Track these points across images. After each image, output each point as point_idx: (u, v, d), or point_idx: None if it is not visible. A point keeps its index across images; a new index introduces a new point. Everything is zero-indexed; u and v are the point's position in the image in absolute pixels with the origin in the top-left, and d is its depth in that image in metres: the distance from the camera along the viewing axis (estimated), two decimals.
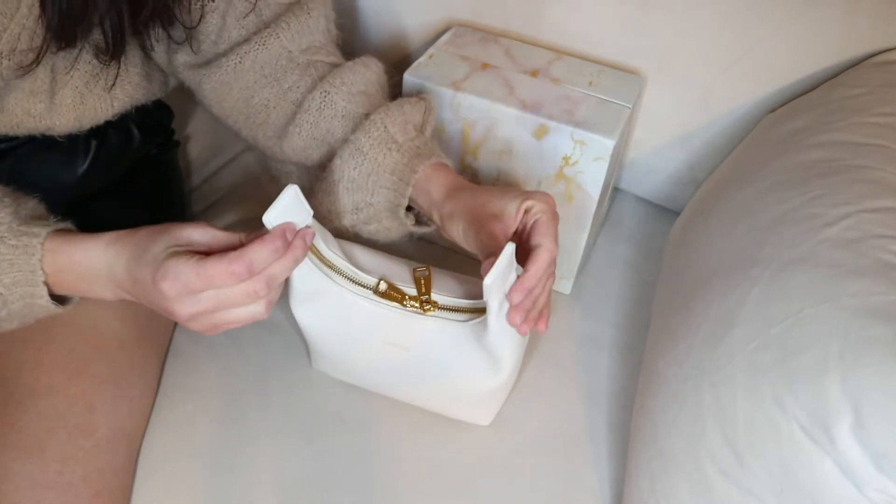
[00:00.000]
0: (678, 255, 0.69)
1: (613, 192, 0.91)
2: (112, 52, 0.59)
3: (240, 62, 0.66)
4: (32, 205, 0.54)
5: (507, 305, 0.55)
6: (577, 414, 0.70)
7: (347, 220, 0.66)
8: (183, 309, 0.49)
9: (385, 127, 0.62)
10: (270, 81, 0.66)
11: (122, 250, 0.51)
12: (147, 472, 0.65)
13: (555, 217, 0.58)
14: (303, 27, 0.66)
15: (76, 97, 0.63)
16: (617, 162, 0.77)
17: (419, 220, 0.66)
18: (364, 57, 0.68)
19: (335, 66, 0.67)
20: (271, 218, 0.50)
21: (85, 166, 0.71)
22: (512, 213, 0.57)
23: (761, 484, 0.48)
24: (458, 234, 0.59)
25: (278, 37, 0.65)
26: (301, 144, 0.65)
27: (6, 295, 0.51)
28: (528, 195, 0.57)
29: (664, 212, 0.90)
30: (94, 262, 0.52)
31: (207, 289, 0.48)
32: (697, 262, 0.63)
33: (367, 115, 0.63)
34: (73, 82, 0.63)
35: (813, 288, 0.50)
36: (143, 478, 0.64)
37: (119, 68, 0.63)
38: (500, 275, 0.52)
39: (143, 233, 0.52)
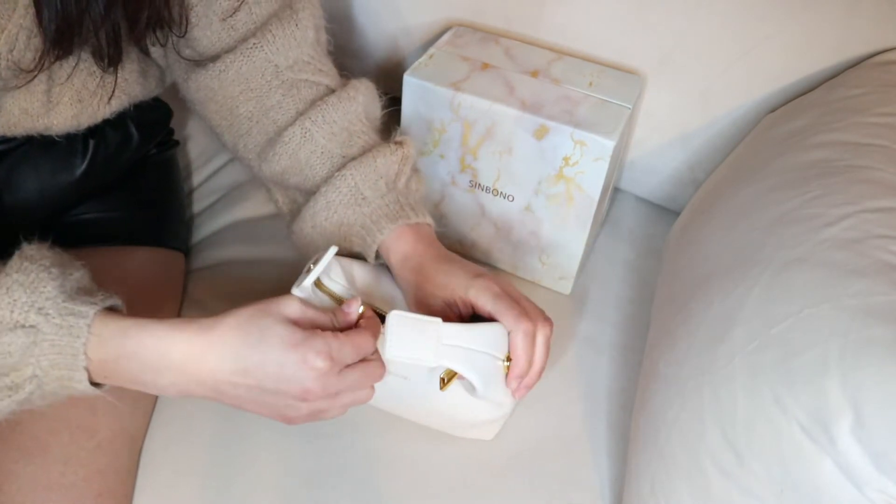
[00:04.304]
0: (678, 255, 0.69)
1: (613, 192, 0.91)
2: (109, 60, 0.59)
3: (224, 70, 0.65)
4: (78, 275, 0.50)
5: (492, 369, 0.58)
6: (577, 414, 0.70)
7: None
8: (319, 385, 0.48)
9: (355, 184, 0.62)
10: (255, 96, 0.65)
11: (221, 339, 0.48)
12: (149, 472, 0.65)
13: (502, 296, 0.58)
14: (289, 40, 0.65)
15: (73, 97, 0.63)
16: (617, 162, 0.77)
17: None
18: (351, 86, 0.66)
19: (322, 85, 0.66)
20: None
21: (83, 167, 0.71)
22: (455, 306, 0.60)
23: (761, 484, 0.48)
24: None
25: (263, 49, 0.64)
26: (279, 170, 0.66)
27: (41, 377, 0.47)
28: (470, 283, 0.59)
29: (664, 212, 0.90)
30: (171, 351, 0.48)
31: (354, 360, 0.50)
32: (697, 262, 0.64)
33: (341, 166, 0.63)
34: (71, 83, 0.63)
35: (813, 288, 0.50)
36: (145, 478, 0.64)
37: (117, 74, 0.62)
38: (410, 347, 0.54)
39: (243, 317, 0.49)
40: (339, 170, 0.63)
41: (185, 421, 0.68)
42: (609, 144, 0.69)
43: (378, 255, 0.64)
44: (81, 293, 0.48)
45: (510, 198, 0.77)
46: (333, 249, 0.56)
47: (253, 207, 0.88)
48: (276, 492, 0.64)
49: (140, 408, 0.66)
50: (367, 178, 0.62)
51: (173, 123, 0.84)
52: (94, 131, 0.70)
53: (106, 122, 0.70)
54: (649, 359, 0.64)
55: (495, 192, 0.78)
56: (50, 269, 0.47)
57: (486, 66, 0.76)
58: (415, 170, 0.67)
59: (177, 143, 0.85)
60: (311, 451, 0.66)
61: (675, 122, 0.81)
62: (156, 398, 0.69)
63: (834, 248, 0.52)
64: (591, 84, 0.74)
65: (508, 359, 0.58)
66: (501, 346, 0.58)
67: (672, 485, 0.55)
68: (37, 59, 0.55)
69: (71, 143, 0.69)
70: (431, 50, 0.78)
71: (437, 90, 0.73)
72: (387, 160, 0.63)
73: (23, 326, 0.45)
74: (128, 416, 0.64)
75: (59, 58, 0.56)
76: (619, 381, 0.73)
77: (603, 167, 0.70)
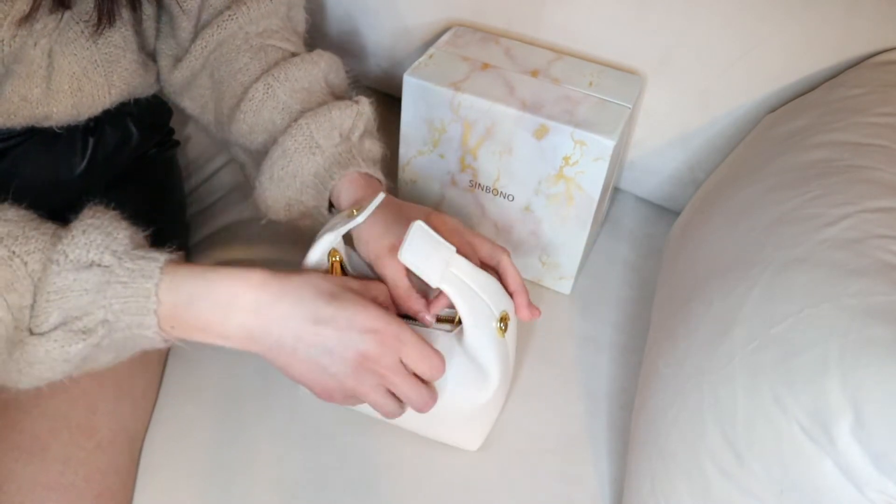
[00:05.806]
0: (678, 255, 0.69)
1: (613, 192, 0.91)
2: (101, 18, 0.60)
3: (205, 46, 0.68)
4: (141, 238, 0.52)
5: (484, 319, 0.57)
6: (577, 414, 0.70)
7: (282, 216, 0.68)
8: (379, 352, 0.51)
9: (310, 132, 0.64)
10: (226, 60, 0.68)
11: (295, 288, 0.51)
12: (149, 472, 0.65)
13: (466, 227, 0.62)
14: (262, 11, 0.68)
15: (73, 83, 0.64)
16: (617, 162, 0.77)
17: None
18: (316, 52, 0.69)
19: (287, 52, 0.69)
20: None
21: (83, 165, 0.71)
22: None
23: (761, 484, 0.48)
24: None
25: (237, 20, 0.67)
26: (245, 129, 0.67)
27: (112, 322, 0.48)
28: (428, 216, 0.61)
29: (664, 212, 0.90)
30: (244, 293, 0.50)
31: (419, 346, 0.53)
32: (697, 262, 0.64)
33: (299, 115, 0.65)
34: (70, 68, 0.63)
35: (813, 288, 0.50)
36: (145, 478, 0.64)
37: (110, 27, 0.63)
38: (420, 252, 0.54)
39: (314, 276, 0.53)
40: (295, 120, 0.65)
41: (185, 421, 0.68)
42: (609, 144, 0.69)
43: (331, 208, 0.66)
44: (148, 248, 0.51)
45: (510, 198, 0.77)
46: (381, 196, 0.58)
47: (253, 207, 0.88)
48: (276, 492, 0.64)
49: (140, 407, 0.66)
50: (321, 126, 0.64)
51: (173, 123, 0.84)
52: (94, 129, 0.70)
53: (106, 120, 0.70)
54: (649, 358, 0.64)
55: (495, 192, 0.78)
56: (120, 220, 0.51)
57: (486, 66, 0.76)
58: (371, 133, 0.69)
59: (177, 143, 0.85)
60: (311, 451, 0.66)
61: (675, 122, 0.81)
62: (156, 398, 0.69)
63: (834, 248, 0.52)
64: (591, 84, 0.74)
65: (502, 319, 0.59)
66: (497, 301, 0.59)
67: (672, 484, 0.55)
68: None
69: (71, 141, 0.69)
70: (431, 50, 0.78)
71: (437, 90, 0.73)
72: (342, 113, 0.65)
73: (98, 265, 0.47)
74: (128, 415, 0.64)
75: (59, 5, 0.58)
76: (619, 381, 0.73)
77: (603, 167, 0.70)
